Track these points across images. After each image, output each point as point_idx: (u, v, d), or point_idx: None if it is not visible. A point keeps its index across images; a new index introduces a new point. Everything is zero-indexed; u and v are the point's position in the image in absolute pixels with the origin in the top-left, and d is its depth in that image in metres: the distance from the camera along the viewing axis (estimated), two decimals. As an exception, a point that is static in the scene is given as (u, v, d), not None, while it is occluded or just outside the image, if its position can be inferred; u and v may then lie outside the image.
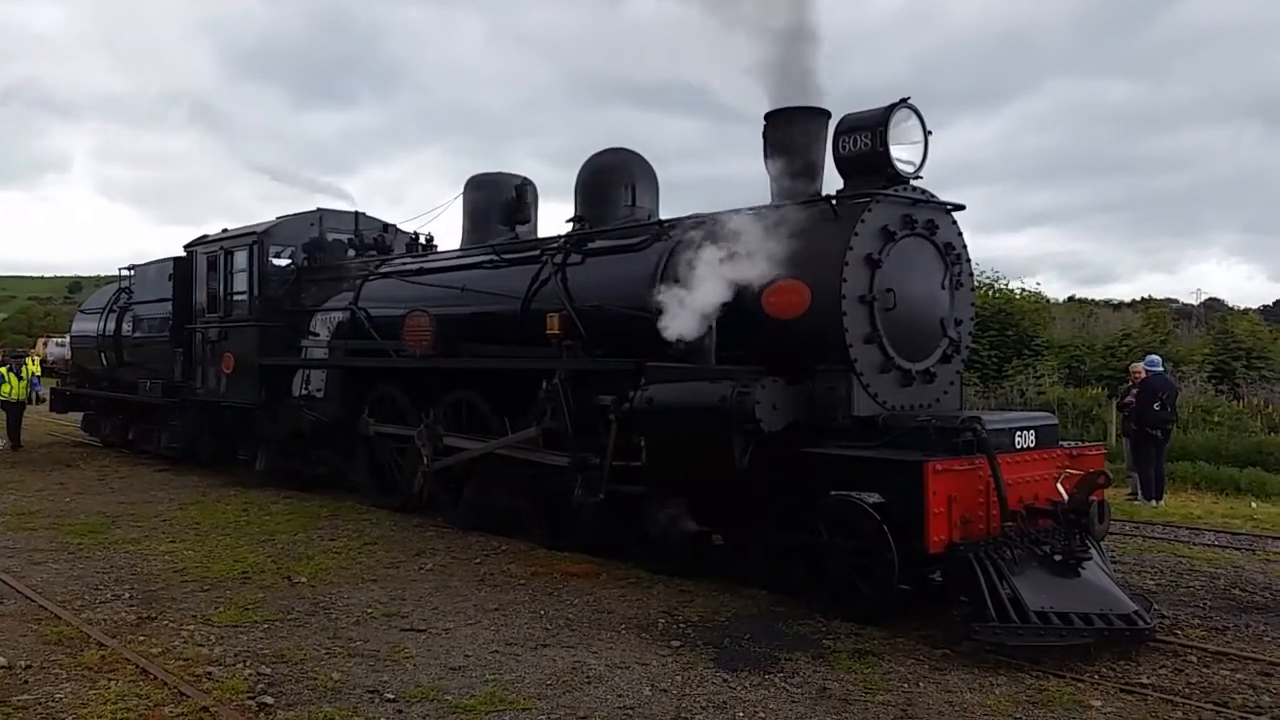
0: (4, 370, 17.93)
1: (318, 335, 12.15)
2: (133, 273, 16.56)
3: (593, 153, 9.43)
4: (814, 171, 7.63)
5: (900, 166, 7.19)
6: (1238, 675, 5.54)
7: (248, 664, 5.57)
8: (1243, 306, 42.52)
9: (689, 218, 8.12)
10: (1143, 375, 12.16)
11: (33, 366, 18.93)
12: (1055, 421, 7.42)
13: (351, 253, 12.83)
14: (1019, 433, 6.81)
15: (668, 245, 8.04)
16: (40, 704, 4.97)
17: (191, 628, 6.30)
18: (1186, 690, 5.28)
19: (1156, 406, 11.77)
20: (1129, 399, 12.27)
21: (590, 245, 8.89)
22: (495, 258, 9.88)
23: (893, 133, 7.06)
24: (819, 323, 6.96)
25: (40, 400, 19.62)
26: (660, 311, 7.42)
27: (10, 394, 17.67)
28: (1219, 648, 6.04)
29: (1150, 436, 11.86)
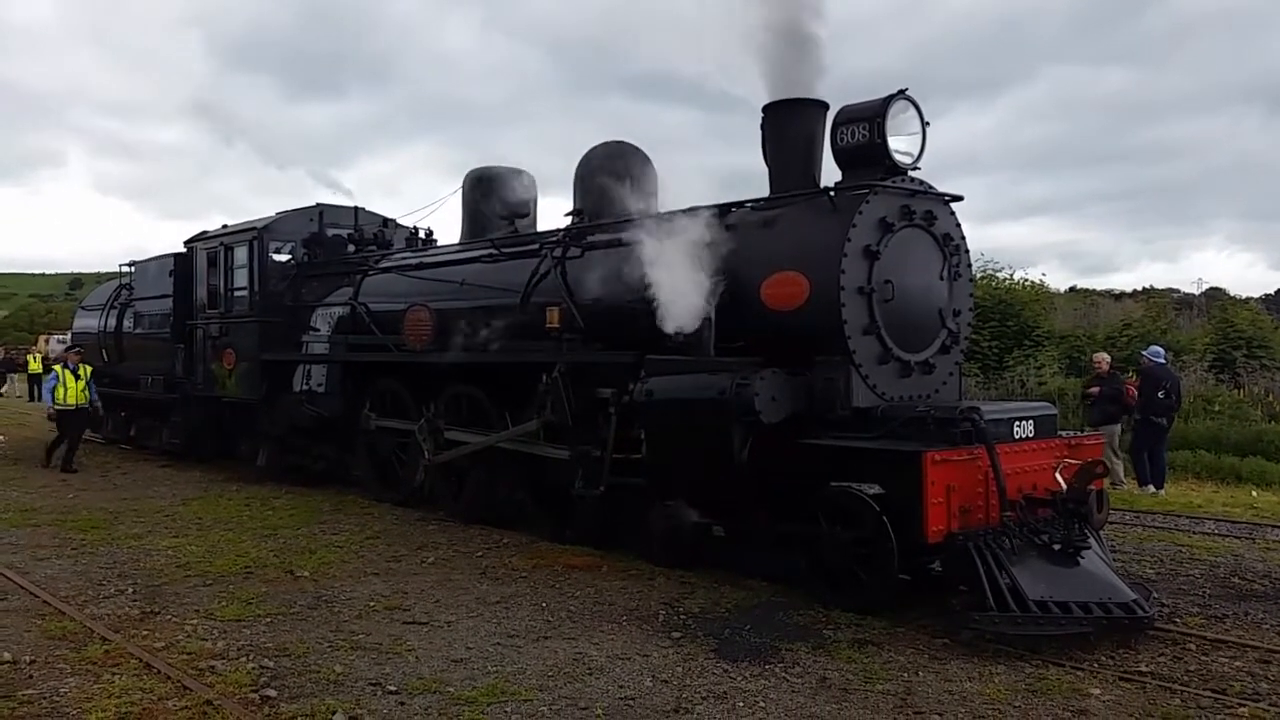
0: (58, 368, 14.68)
1: (318, 330, 12.17)
2: (133, 269, 16.57)
3: (591, 145, 9.43)
4: (812, 163, 7.63)
5: (898, 158, 7.18)
6: (1236, 663, 5.56)
7: (251, 658, 5.59)
8: (1244, 295, 42.48)
9: (688, 210, 8.12)
10: (1106, 367, 12.53)
11: (34, 365, 17.92)
12: (1054, 411, 7.44)
13: (351, 248, 12.84)
14: (1017, 423, 6.82)
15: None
16: (45, 698, 5.00)
17: (195, 622, 6.33)
18: (1185, 678, 5.30)
19: (1160, 395, 11.92)
20: (1092, 390, 12.49)
21: (589, 238, 8.90)
22: (495, 251, 9.89)
23: (890, 124, 7.04)
24: (817, 314, 6.96)
25: (99, 411, 15.47)
26: (659, 304, 7.43)
27: (66, 398, 14.14)
28: (1218, 635, 6.05)
29: (1154, 424, 11.95)
